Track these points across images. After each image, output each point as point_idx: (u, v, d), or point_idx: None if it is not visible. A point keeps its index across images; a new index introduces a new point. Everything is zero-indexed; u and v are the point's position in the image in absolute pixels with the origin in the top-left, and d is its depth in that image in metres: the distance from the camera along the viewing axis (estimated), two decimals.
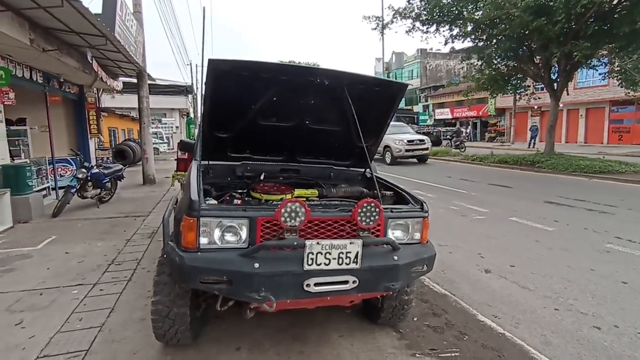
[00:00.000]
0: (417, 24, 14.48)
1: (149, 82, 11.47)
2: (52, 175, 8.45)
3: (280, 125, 3.06)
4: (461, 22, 13.72)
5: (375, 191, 2.88)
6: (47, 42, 6.69)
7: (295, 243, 2.09)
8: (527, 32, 11.81)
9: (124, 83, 12.82)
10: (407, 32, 14.59)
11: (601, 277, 4.11)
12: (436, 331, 2.96)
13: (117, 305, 3.29)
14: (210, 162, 3.09)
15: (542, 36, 11.55)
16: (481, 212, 7.14)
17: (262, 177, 3.18)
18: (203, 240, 2.11)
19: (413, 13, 14.30)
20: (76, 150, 8.53)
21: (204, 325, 2.81)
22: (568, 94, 14.73)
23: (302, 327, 2.93)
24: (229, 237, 2.17)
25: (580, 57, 11.53)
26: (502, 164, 14.66)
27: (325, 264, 2.13)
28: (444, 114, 39.77)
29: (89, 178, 7.16)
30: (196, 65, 42.02)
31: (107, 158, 12.12)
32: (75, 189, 6.94)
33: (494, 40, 12.95)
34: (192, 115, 42.28)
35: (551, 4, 10.57)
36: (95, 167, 7.59)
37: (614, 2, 10.78)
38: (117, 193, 8.49)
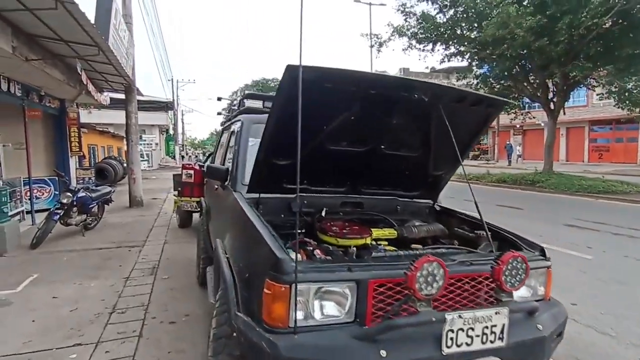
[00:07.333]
0: (414, 42, 14.37)
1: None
2: (28, 198, 7.53)
3: (350, 150, 2.48)
4: (456, 40, 13.73)
5: (481, 233, 2.33)
6: (31, 50, 5.96)
7: (434, 319, 1.49)
8: (526, 52, 11.83)
9: None
10: (403, 50, 14.46)
11: None
12: None
13: None
14: (262, 195, 2.47)
15: (543, 56, 11.56)
16: None
17: (323, 214, 2.57)
18: (299, 316, 1.49)
19: (409, 32, 14.20)
20: (59, 171, 7.62)
21: None
22: (565, 114, 14.79)
23: None
24: (329, 308, 1.56)
25: (581, 78, 11.58)
26: (501, 183, 14.52)
27: (467, 343, 1.55)
28: None
29: (74, 203, 6.30)
30: (177, 81, 41.16)
31: (89, 178, 11.12)
32: (58, 216, 6.06)
33: (493, 58, 12.91)
34: (172, 131, 41.02)
35: (554, 25, 10.59)
36: (81, 190, 6.73)
37: (615, 27, 10.88)
38: (103, 218, 7.63)
